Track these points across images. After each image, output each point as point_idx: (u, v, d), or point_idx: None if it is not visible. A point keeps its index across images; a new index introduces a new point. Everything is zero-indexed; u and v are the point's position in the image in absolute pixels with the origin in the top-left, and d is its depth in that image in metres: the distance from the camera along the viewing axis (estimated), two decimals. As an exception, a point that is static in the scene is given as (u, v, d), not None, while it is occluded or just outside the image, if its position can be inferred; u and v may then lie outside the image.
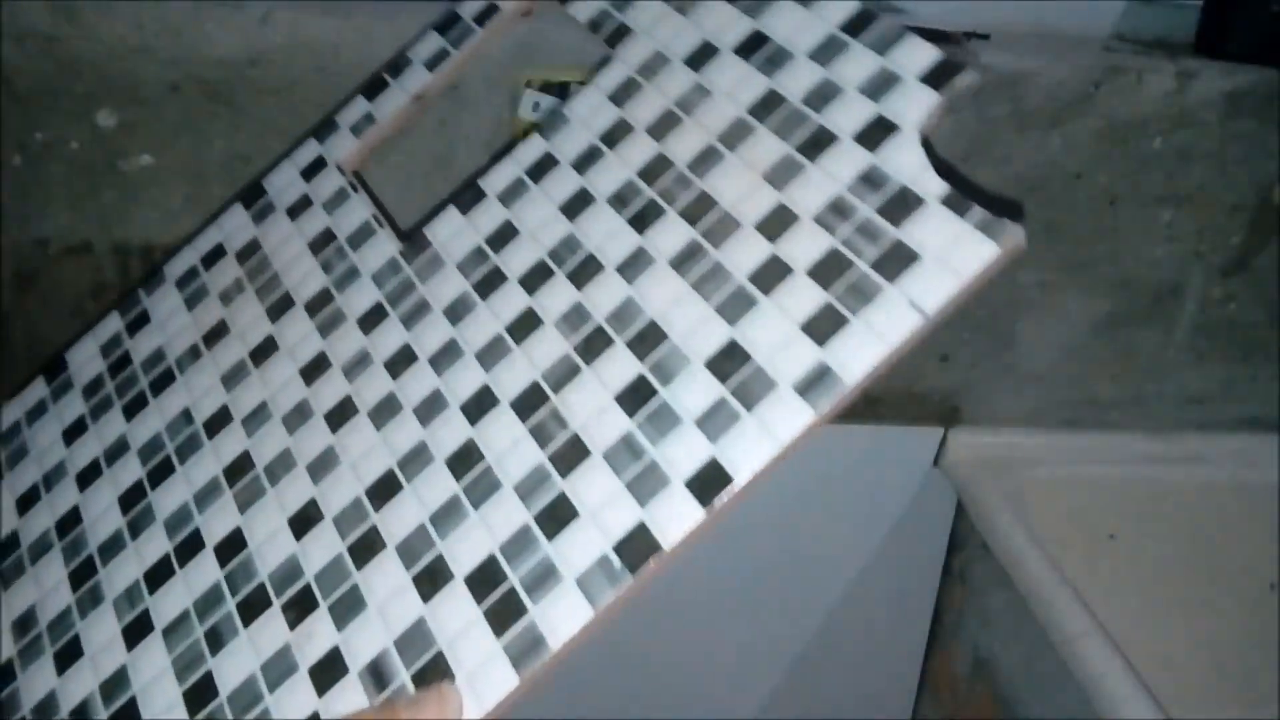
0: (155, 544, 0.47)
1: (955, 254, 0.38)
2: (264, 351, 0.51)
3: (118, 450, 0.52)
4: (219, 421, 0.50)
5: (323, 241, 0.54)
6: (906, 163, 0.41)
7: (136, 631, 0.45)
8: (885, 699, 1.06)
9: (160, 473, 0.50)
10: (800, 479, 0.93)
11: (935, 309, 0.38)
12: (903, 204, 0.40)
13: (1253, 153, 0.86)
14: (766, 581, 0.98)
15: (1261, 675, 0.96)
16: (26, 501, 0.52)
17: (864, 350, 0.38)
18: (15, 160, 0.72)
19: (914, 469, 0.95)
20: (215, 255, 0.57)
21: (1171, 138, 0.84)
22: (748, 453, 0.38)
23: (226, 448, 0.49)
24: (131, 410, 0.53)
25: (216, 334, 0.53)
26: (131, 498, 0.50)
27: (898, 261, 0.39)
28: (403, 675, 0.39)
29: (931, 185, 0.40)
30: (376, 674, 0.40)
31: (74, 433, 0.54)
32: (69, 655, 0.46)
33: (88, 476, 0.52)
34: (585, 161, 0.49)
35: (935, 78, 0.43)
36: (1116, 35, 0.94)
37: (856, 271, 0.40)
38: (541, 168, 0.50)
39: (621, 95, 0.50)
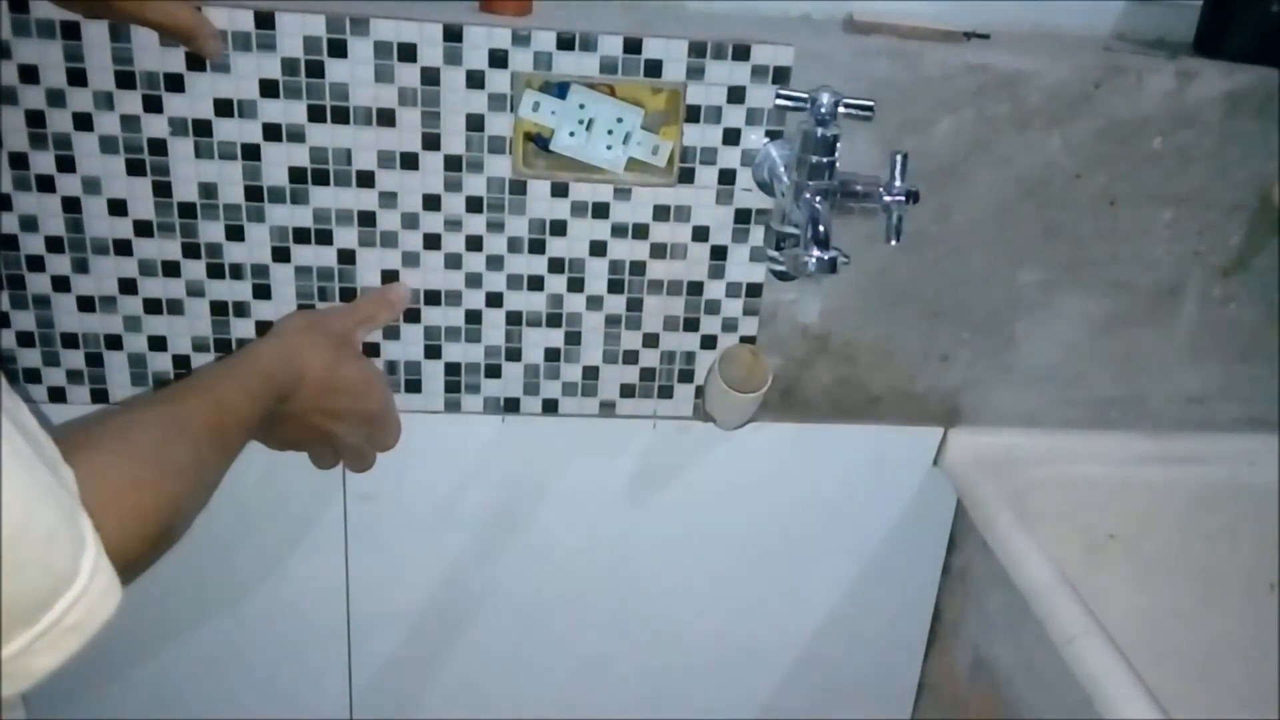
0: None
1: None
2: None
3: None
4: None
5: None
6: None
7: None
8: (885, 699, 1.06)
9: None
10: (801, 479, 0.93)
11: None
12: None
13: (1252, 153, 0.86)
14: (767, 581, 0.98)
15: (1261, 675, 0.96)
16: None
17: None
18: None
19: (914, 469, 0.95)
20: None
21: (1171, 138, 0.84)
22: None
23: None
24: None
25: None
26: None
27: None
28: None
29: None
30: None
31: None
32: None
33: None
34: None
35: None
36: (1116, 35, 0.94)
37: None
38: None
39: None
